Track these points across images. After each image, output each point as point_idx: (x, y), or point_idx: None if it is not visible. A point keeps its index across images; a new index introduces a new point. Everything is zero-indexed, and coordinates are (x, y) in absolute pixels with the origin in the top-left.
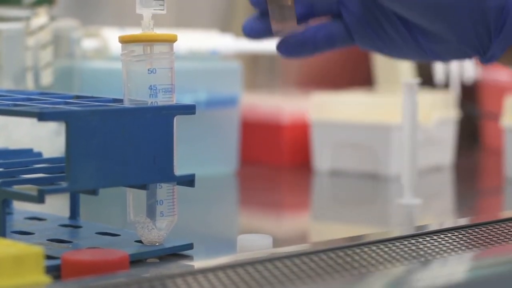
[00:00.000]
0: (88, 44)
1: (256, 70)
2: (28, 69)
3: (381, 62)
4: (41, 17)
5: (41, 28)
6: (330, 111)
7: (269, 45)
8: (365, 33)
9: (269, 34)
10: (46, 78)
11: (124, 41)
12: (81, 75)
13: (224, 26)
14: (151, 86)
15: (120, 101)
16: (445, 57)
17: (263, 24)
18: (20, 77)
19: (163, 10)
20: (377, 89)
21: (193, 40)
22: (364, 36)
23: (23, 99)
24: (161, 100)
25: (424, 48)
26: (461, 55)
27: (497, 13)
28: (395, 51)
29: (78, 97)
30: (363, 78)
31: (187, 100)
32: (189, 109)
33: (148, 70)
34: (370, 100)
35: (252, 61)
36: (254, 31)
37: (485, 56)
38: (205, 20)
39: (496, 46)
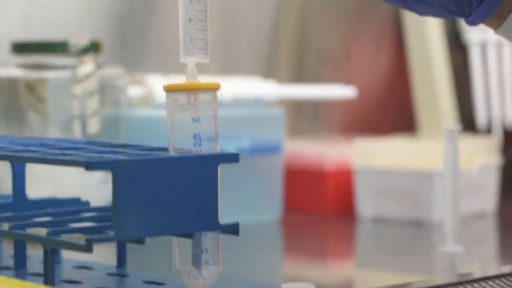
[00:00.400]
0: (134, 91)
1: (299, 117)
2: (75, 117)
3: (423, 108)
4: (87, 65)
5: (88, 76)
6: (373, 157)
7: (311, 91)
8: None
9: None
10: (93, 126)
11: (169, 90)
12: (126, 122)
13: (267, 73)
14: (195, 134)
15: (165, 149)
16: (429, 14)
17: None
18: (67, 125)
19: (206, 59)
20: (419, 134)
21: (236, 87)
22: None
23: (70, 148)
24: (205, 148)
25: (409, 5)
26: (443, 16)
27: None
28: None
29: (124, 145)
30: (405, 124)
31: (231, 147)
32: (232, 158)
33: (193, 118)
34: (413, 146)
35: (295, 107)
36: None
37: (467, 21)
38: (248, 66)
39: (476, 15)
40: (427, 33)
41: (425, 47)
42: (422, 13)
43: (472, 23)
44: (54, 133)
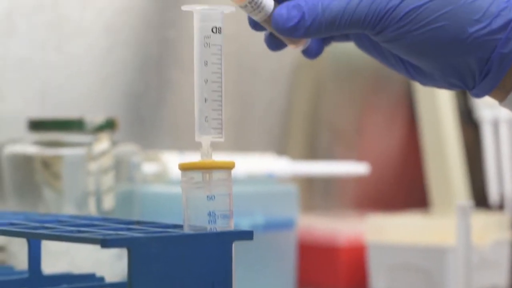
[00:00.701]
0: (148, 168)
1: (312, 192)
2: (90, 194)
3: (435, 184)
4: (103, 142)
5: (103, 153)
6: (386, 233)
7: (324, 168)
8: (360, 46)
9: (285, 46)
10: (108, 203)
11: (184, 168)
12: (141, 199)
13: (280, 149)
14: (210, 212)
15: (180, 226)
16: (433, 86)
17: (278, 40)
18: (82, 201)
19: (221, 138)
20: (431, 211)
21: (250, 164)
22: (361, 46)
23: (85, 225)
24: (220, 226)
25: (413, 76)
26: (447, 88)
27: (482, 63)
28: (389, 66)
29: (139, 222)
30: (417, 200)
31: (244, 223)
32: (247, 235)
33: (207, 196)
34: (425, 222)
35: (308, 183)
36: (272, 46)
37: (471, 93)
38: (261, 143)
39: (480, 88)
40: (439, 110)
41: (438, 123)
42: (425, 84)
43: (476, 95)
44: (69, 209)
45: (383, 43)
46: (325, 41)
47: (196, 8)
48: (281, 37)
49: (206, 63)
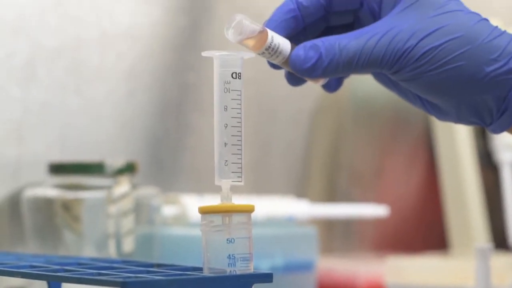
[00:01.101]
0: (168, 211)
1: (331, 234)
2: (110, 237)
3: (455, 226)
4: (123, 185)
5: (123, 196)
6: (405, 275)
7: (343, 210)
8: (379, 80)
9: (304, 82)
10: (128, 245)
11: (204, 211)
12: (161, 241)
13: (300, 192)
14: (229, 255)
15: (200, 269)
16: (450, 121)
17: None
18: (102, 244)
19: (241, 182)
20: (451, 252)
21: (269, 206)
22: (379, 80)
23: (106, 268)
24: (239, 268)
25: (430, 111)
26: (464, 124)
27: (499, 101)
28: (406, 100)
29: (159, 265)
30: (436, 241)
31: (264, 265)
32: (266, 278)
33: (227, 239)
34: (445, 264)
35: (327, 225)
36: (293, 82)
37: (488, 129)
38: (280, 186)
39: (497, 125)
40: (459, 153)
41: (457, 166)
42: (442, 119)
43: (494, 131)
44: (89, 251)
45: (400, 82)
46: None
47: (216, 54)
48: None
49: (226, 108)
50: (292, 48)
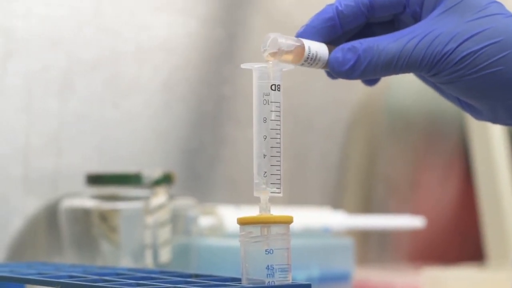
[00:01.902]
0: (204, 221)
1: (367, 245)
2: (147, 247)
3: (491, 237)
4: (160, 196)
5: (160, 207)
6: (442, 286)
7: (379, 221)
8: (417, 76)
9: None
10: (165, 256)
11: (242, 222)
12: (197, 252)
13: (336, 203)
14: (268, 266)
15: (238, 280)
16: (486, 121)
17: None
18: (139, 254)
19: (279, 193)
20: (487, 263)
21: (306, 217)
22: (417, 76)
23: (144, 278)
24: (278, 279)
25: (467, 111)
26: (501, 124)
27: None
28: (444, 97)
29: (197, 275)
30: (472, 253)
31: (300, 276)
32: None
33: (266, 250)
34: (482, 275)
35: (363, 236)
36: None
37: None
38: (317, 197)
39: None
40: (495, 163)
41: (493, 177)
42: (479, 119)
43: None
44: (125, 262)
45: (438, 84)
46: None
47: (255, 66)
48: None
49: (265, 120)
50: (330, 50)
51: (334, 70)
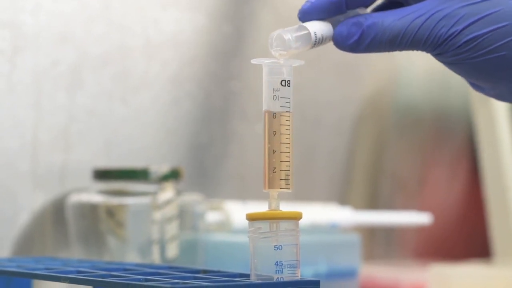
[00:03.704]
0: (212, 217)
1: (373, 242)
2: (154, 242)
3: (498, 234)
4: (167, 192)
5: (168, 202)
6: (449, 283)
7: (386, 218)
8: None
9: None
10: (172, 251)
11: (251, 218)
12: (204, 247)
13: (343, 199)
14: (277, 262)
15: (246, 275)
16: (489, 96)
17: None
18: (146, 249)
19: (289, 189)
20: (494, 260)
21: (313, 214)
22: None
23: (152, 274)
24: (287, 275)
25: (472, 86)
26: (503, 101)
27: None
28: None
29: (205, 271)
30: (478, 249)
31: (307, 272)
32: (313, 285)
33: (275, 246)
34: (489, 272)
35: (370, 232)
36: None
37: None
38: (324, 193)
39: None
40: (503, 161)
41: (501, 175)
42: (481, 93)
43: None
44: (132, 257)
45: (442, 63)
46: None
47: (265, 62)
48: None
49: (275, 116)
50: (334, 26)
51: (339, 44)
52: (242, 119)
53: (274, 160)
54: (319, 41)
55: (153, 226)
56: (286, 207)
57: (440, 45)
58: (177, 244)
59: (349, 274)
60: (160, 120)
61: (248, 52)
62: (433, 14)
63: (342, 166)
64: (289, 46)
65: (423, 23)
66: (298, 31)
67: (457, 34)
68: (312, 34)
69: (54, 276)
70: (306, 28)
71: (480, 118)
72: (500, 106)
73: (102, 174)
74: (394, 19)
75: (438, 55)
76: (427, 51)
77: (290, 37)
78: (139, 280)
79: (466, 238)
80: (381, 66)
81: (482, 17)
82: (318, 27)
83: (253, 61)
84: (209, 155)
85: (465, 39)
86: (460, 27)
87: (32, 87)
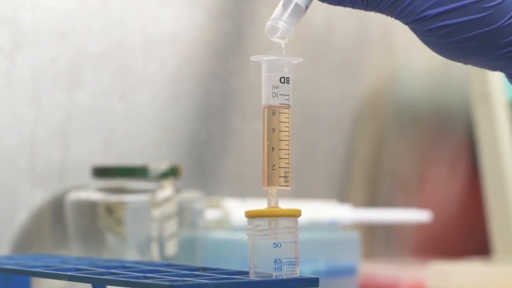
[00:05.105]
0: (211, 214)
1: (373, 239)
2: (153, 240)
3: (498, 232)
4: (166, 189)
5: (167, 200)
6: (448, 280)
7: (386, 215)
8: None
9: None
10: (171, 249)
11: (250, 216)
12: (203, 245)
13: (342, 197)
14: (276, 259)
15: (245, 273)
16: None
17: None
18: (145, 247)
19: (288, 186)
20: (493, 258)
21: (312, 211)
22: None
23: (151, 271)
24: (286, 273)
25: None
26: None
27: None
28: None
29: (204, 269)
30: (478, 247)
31: (306, 269)
32: (312, 282)
33: (274, 244)
34: (488, 269)
35: (369, 230)
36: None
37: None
38: (323, 190)
39: None
40: (502, 159)
41: (501, 172)
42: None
43: None
44: (131, 254)
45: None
46: None
47: (264, 59)
48: None
49: (274, 113)
50: None
51: None
52: (241, 116)
53: (273, 157)
54: (309, 4)
55: (152, 223)
56: (285, 205)
57: (411, 23)
58: (176, 242)
59: (348, 271)
60: (159, 118)
61: (248, 49)
62: None
63: (341, 163)
64: (287, 31)
65: None
66: (286, 9)
67: (427, 19)
68: (303, 6)
69: (53, 273)
70: (296, 3)
71: (480, 115)
72: (500, 104)
73: (101, 172)
74: None
75: (411, 28)
76: (401, 22)
77: (283, 23)
78: (138, 277)
79: (466, 236)
80: (381, 64)
81: (456, 8)
82: None
83: (252, 58)
84: (208, 153)
85: (435, 25)
86: (431, 11)
87: (31, 84)
